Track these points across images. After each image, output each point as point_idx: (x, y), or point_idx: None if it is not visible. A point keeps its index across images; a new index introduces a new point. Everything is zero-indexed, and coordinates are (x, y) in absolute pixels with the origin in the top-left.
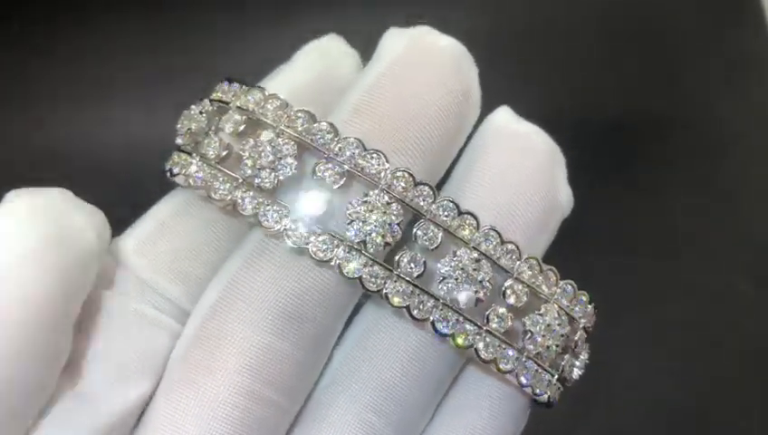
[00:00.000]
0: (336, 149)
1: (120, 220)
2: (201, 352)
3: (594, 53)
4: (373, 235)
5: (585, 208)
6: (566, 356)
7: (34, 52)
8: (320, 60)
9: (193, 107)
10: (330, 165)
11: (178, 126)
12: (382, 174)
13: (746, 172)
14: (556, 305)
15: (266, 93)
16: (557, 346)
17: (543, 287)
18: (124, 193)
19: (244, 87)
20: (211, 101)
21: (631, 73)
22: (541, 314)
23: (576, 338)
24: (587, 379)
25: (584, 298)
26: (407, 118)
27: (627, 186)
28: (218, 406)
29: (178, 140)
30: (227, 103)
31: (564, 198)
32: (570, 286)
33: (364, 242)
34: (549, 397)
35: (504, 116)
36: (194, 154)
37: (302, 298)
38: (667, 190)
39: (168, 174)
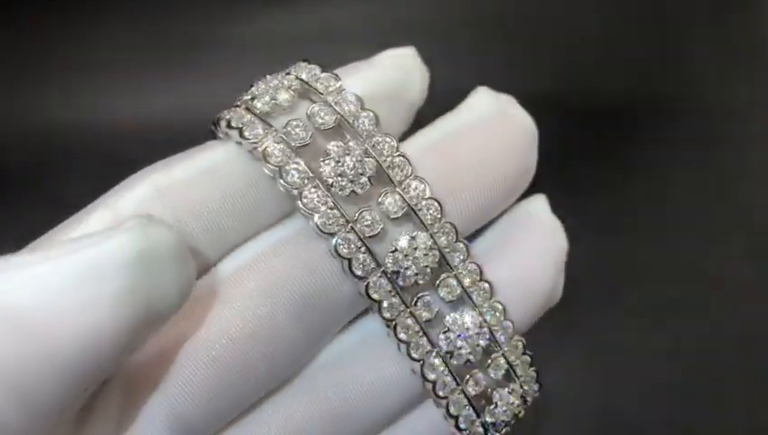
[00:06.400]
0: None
1: None
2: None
3: (594, 36)
4: (409, 272)
5: (584, 191)
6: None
7: (31, 34)
8: (395, 69)
9: (279, 78)
10: (397, 197)
11: (261, 86)
12: (436, 225)
13: (747, 155)
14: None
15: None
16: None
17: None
18: (119, 175)
19: (326, 74)
20: (297, 78)
21: (631, 56)
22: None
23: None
24: (585, 361)
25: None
26: (475, 169)
27: (626, 168)
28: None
29: (257, 104)
30: (309, 85)
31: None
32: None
33: (397, 273)
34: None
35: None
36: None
37: (311, 291)
38: (667, 173)
39: (225, 125)
